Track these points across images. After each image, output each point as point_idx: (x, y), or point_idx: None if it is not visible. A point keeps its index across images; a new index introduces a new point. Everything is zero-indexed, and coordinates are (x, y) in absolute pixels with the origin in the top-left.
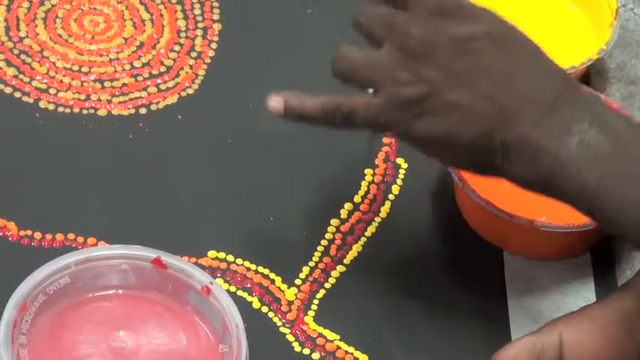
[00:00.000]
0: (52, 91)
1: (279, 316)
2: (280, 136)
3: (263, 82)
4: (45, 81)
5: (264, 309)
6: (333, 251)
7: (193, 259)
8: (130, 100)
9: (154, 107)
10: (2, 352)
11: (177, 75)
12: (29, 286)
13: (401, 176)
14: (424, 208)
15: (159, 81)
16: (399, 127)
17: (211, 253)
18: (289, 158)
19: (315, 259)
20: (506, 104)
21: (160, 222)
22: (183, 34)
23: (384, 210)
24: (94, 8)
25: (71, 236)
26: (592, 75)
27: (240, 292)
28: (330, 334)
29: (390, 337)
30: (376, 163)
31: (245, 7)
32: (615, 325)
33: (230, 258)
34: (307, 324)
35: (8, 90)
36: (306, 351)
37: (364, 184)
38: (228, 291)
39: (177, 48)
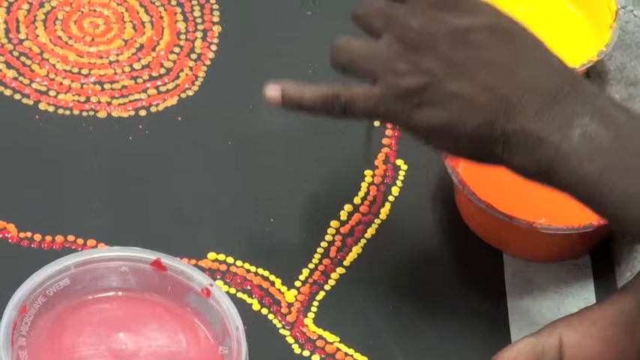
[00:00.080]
0: (52, 93)
1: (279, 318)
2: (280, 137)
3: (263, 84)
4: (45, 83)
5: (264, 311)
6: (332, 253)
7: (193, 261)
8: (130, 102)
9: (153, 109)
10: (2, 354)
11: (177, 77)
12: (29, 288)
13: (401, 178)
14: (424, 209)
15: (159, 83)
16: (399, 118)
17: (211, 255)
18: (289, 160)
19: (315, 261)
20: (507, 94)
21: (160, 224)
22: (183, 36)
23: (384, 212)
24: (94, 10)
25: (71, 238)
26: (592, 77)
27: (240, 294)
28: (329, 336)
29: (390, 339)
30: (376, 164)
31: (245, 9)
32: (615, 327)
33: (230, 260)
34: (307, 326)
35: (8, 92)
36: (306, 353)
37: (364, 186)
38: (228, 293)
39: (177, 50)
